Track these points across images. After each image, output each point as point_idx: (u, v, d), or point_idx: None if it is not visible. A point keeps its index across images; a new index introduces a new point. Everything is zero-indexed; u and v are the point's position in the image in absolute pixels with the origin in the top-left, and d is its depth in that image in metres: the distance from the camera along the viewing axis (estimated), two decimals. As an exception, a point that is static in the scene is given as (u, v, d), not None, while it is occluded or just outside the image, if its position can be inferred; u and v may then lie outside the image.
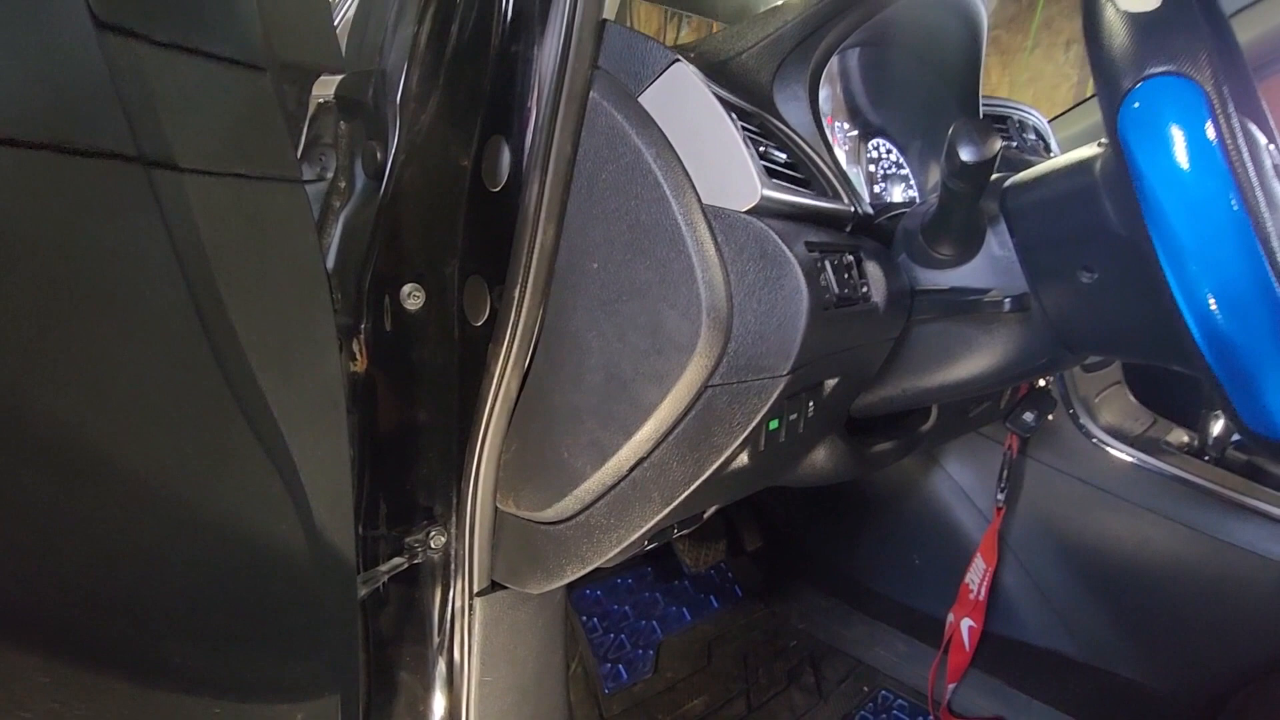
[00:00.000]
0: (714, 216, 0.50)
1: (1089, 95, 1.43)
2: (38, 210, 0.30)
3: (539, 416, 0.60)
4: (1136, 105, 0.45)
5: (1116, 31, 0.46)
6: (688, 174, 0.50)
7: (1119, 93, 0.46)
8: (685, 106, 0.50)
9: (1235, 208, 0.43)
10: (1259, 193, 0.42)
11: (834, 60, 0.72)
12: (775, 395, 0.50)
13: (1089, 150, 0.57)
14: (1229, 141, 0.43)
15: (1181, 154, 0.44)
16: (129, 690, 0.35)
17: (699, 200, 0.50)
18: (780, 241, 0.48)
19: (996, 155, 0.51)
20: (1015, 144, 0.94)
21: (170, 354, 0.36)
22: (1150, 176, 0.46)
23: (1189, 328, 0.48)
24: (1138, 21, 0.45)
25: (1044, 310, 0.62)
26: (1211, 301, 0.46)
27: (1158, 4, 0.44)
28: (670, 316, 0.50)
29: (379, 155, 0.62)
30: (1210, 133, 0.43)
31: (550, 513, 0.61)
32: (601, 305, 0.54)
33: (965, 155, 0.50)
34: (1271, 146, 0.58)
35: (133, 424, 0.34)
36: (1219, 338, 0.47)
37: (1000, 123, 0.96)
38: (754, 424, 0.52)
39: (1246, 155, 0.42)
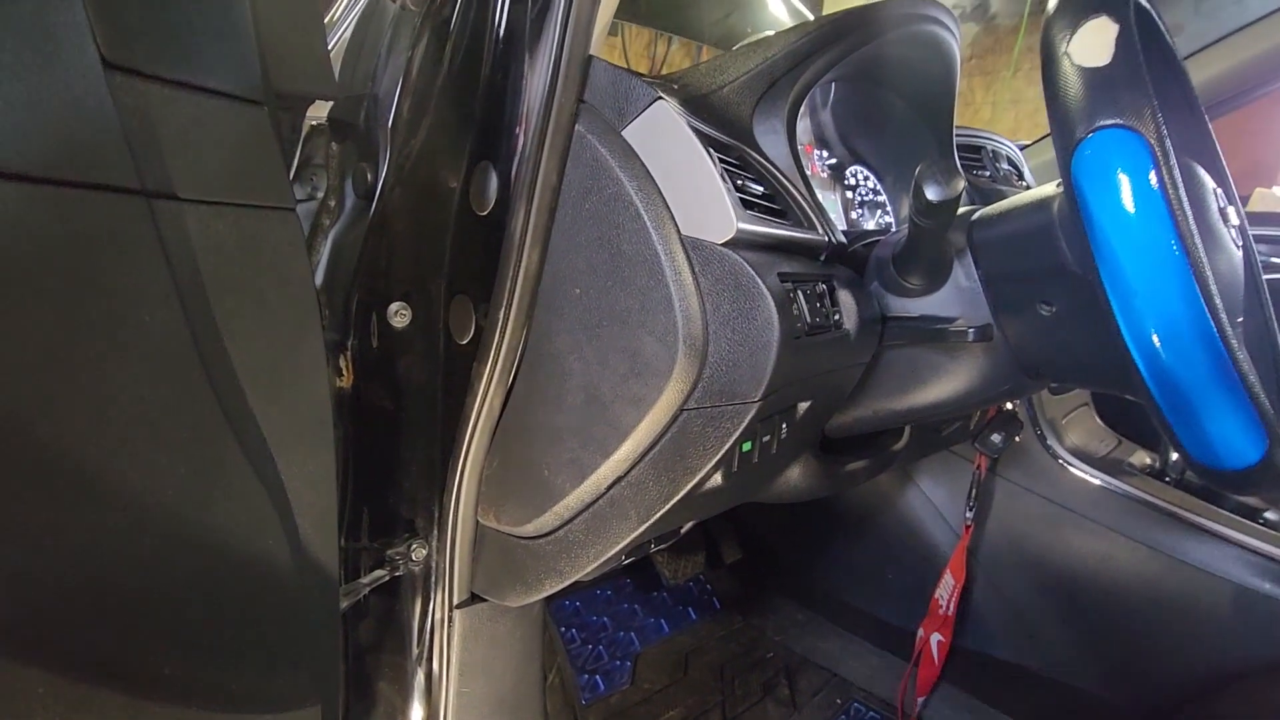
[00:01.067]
0: (692, 248, 0.52)
1: None
2: (43, 241, 0.31)
3: (521, 434, 0.62)
4: (1088, 153, 0.48)
5: (1071, 83, 0.49)
6: (668, 206, 0.52)
7: (1072, 140, 0.49)
8: (666, 142, 0.53)
9: (1175, 250, 0.46)
10: (1197, 239, 0.45)
11: (814, 91, 0.74)
12: (748, 419, 0.53)
13: (1048, 190, 0.60)
14: (1170, 190, 0.46)
15: (1127, 199, 0.47)
16: (122, 701, 0.37)
17: (678, 231, 0.52)
18: (754, 274, 0.51)
19: (959, 195, 0.54)
20: (988, 173, 0.98)
21: (165, 377, 0.37)
22: (1099, 218, 0.49)
23: (1135, 361, 0.51)
24: (1090, 76, 0.48)
25: (1006, 339, 0.65)
26: (1154, 337, 0.49)
27: (1108, 60, 0.47)
28: (649, 342, 0.52)
29: (369, 176, 0.64)
30: (1153, 180, 0.46)
31: (530, 528, 0.63)
32: (583, 329, 0.56)
33: (931, 195, 0.53)
34: (1219, 190, 0.61)
35: (127, 444, 0.36)
36: (1162, 372, 0.49)
37: (974, 153, 0.99)
38: (727, 446, 0.54)
39: (1186, 204, 0.45)
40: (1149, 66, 0.47)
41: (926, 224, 0.57)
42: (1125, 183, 0.47)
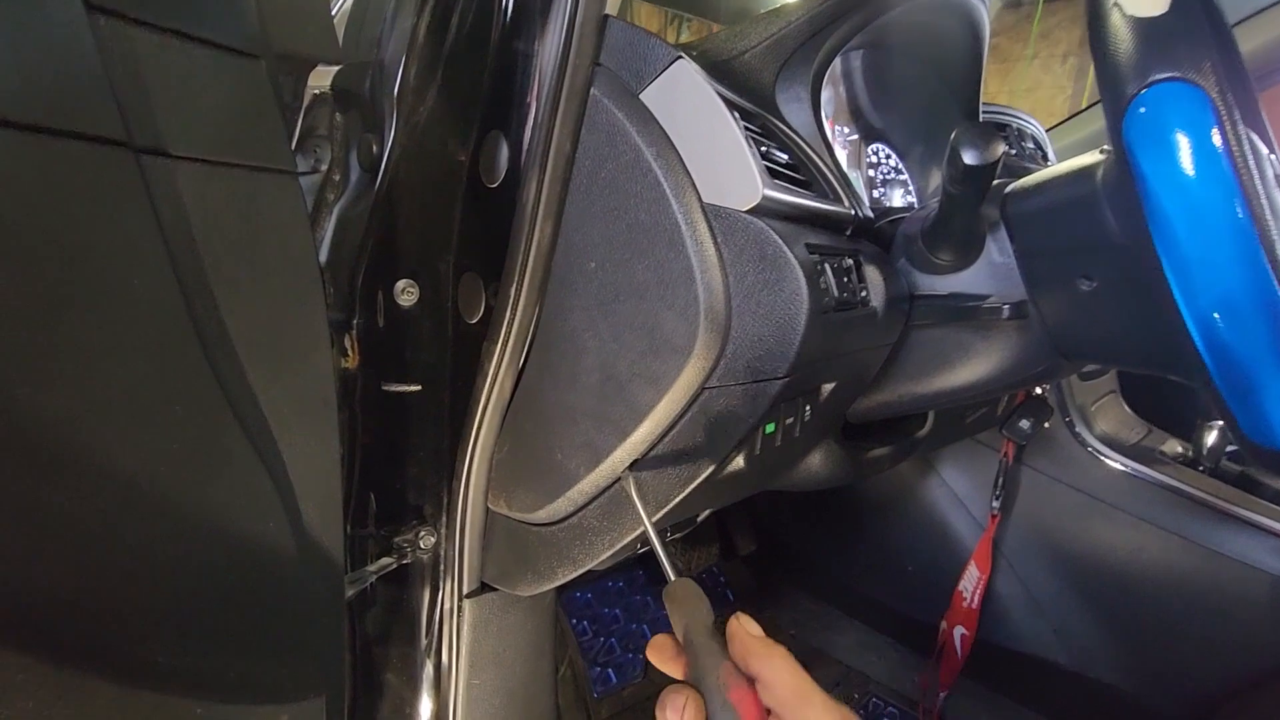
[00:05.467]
0: (714, 216, 0.49)
1: (1084, 106, 1.44)
2: (20, 193, 0.29)
3: (533, 416, 0.59)
4: (1142, 110, 0.45)
5: (1122, 37, 0.45)
6: (688, 173, 0.49)
7: (1124, 98, 0.45)
8: (687, 104, 0.50)
9: (1240, 215, 0.43)
10: (1264, 200, 0.42)
11: (836, 62, 0.71)
12: (772, 399, 0.50)
13: (1091, 157, 0.57)
14: (1235, 148, 0.42)
15: (1187, 160, 0.44)
16: (112, 690, 0.34)
17: (699, 199, 0.49)
18: (781, 243, 0.48)
19: (999, 160, 0.50)
20: (1014, 151, 0.94)
21: (158, 348, 0.35)
22: (1155, 183, 0.46)
23: (1190, 337, 0.47)
24: (1144, 27, 0.45)
25: (1042, 318, 0.62)
26: (1214, 309, 0.45)
27: (1165, 9, 0.44)
28: (668, 318, 0.50)
29: (375, 148, 0.62)
30: (1216, 139, 0.43)
31: (542, 514, 0.60)
32: (598, 305, 0.53)
33: (969, 159, 0.50)
34: (1273, 157, 0.58)
35: (118, 420, 0.33)
36: (1220, 347, 0.46)
37: (1000, 130, 0.96)
38: (750, 427, 0.51)
39: (1252, 162, 0.42)
40: (1206, 18, 0.44)
41: (961, 192, 0.54)
42: (1184, 142, 0.43)
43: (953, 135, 0.51)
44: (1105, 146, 0.56)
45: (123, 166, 0.33)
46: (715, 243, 0.49)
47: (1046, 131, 1.10)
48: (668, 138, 0.50)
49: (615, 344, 0.53)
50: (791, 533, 1.36)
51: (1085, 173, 0.55)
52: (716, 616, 0.40)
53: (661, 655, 0.39)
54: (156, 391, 0.35)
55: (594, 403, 0.54)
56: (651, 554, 0.48)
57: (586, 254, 0.53)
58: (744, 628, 0.37)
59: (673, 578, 0.41)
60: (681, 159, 0.49)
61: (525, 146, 0.55)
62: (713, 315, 0.48)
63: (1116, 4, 0.46)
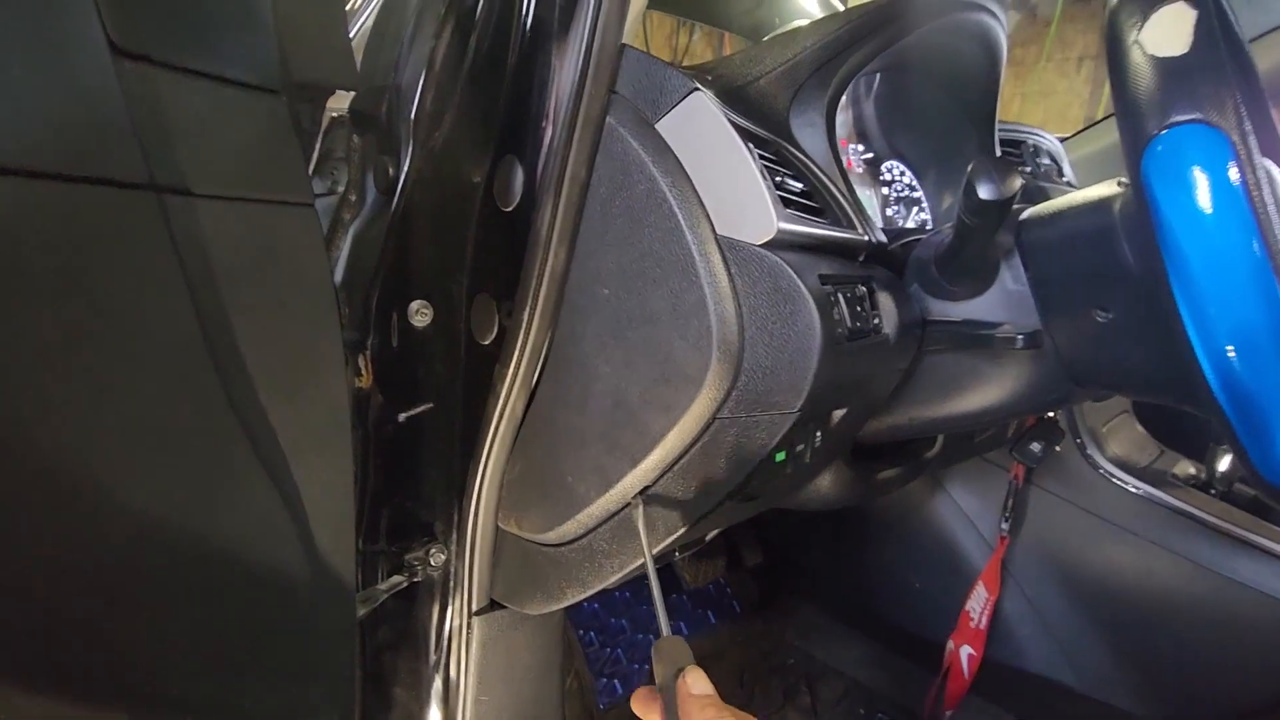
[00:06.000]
0: (728, 249, 0.49)
1: (1101, 117, 1.43)
2: (46, 240, 0.30)
3: (544, 439, 0.60)
4: (1160, 150, 0.45)
5: (1143, 75, 0.45)
6: (703, 205, 0.50)
7: (1144, 136, 0.45)
8: (703, 136, 0.50)
9: (1257, 252, 0.43)
10: None
11: (851, 83, 0.71)
12: (785, 431, 0.50)
13: (1108, 189, 0.56)
14: (1253, 186, 0.42)
15: (1204, 197, 0.44)
16: (117, 713, 0.35)
17: (714, 231, 0.49)
18: (795, 277, 0.48)
19: (1015, 195, 0.50)
20: (1030, 170, 0.93)
21: (175, 380, 0.35)
22: (1171, 219, 0.45)
23: (1204, 372, 0.47)
24: (1164, 66, 0.44)
25: (1056, 346, 0.61)
26: (1228, 346, 0.45)
27: (1186, 49, 0.44)
28: (680, 347, 0.50)
29: (391, 170, 0.62)
30: (1234, 175, 0.42)
31: (552, 535, 0.61)
32: (611, 332, 0.53)
33: (984, 193, 0.50)
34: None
35: (133, 451, 0.34)
36: (1234, 383, 0.46)
37: (1014, 147, 0.95)
38: (762, 457, 0.51)
39: (1270, 199, 0.42)
40: (1228, 56, 0.44)
41: (976, 224, 0.54)
42: (1202, 180, 0.43)
43: (969, 168, 0.51)
44: (1123, 179, 0.55)
45: (144, 206, 0.33)
46: (729, 275, 0.49)
47: (1062, 142, 1.09)
48: (683, 169, 0.50)
49: (627, 371, 0.53)
50: (798, 546, 1.36)
51: (1103, 204, 0.55)
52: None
53: (641, 706, 0.41)
54: (173, 423, 0.36)
55: (605, 428, 0.55)
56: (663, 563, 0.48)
57: (600, 280, 0.54)
58: (688, 687, 0.38)
59: (666, 634, 0.42)
60: (696, 190, 0.50)
61: (540, 171, 0.55)
62: (725, 346, 0.49)
63: (1137, 41, 0.45)
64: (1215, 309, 0.45)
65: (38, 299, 0.30)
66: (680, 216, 0.49)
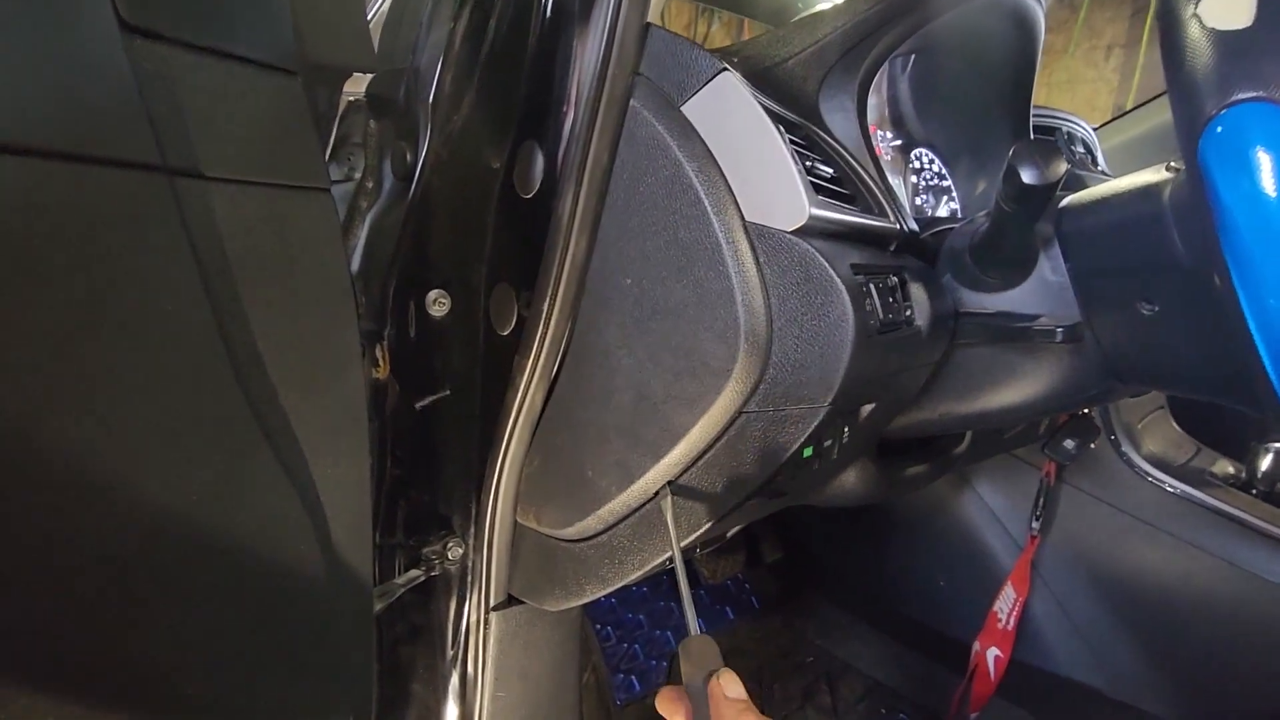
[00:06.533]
0: (757, 236, 0.47)
1: (1130, 106, 1.38)
2: (52, 224, 0.28)
3: (564, 432, 0.58)
4: (1220, 130, 0.42)
5: (1201, 50, 0.42)
6: (730, 190, 0.48)
7: (1201, 116, 0.42)
8: (731, 118, 0.48)
9: None
10: None
11: (882, 66, 0.68)
12: (814, 425, 0.48)
13: (1156, 174, 0.53)
14: None
15: (1269, 180, 0.41)
16: (132, 715, 0.34)
17: (742, 218, 0.47)
18: (827, 266, 0.46)
19: (1060, 180, 0.48)
20: (1063, 157, 0.90)
21: (189, 371, 0.34)
22: (1231, 204, 0.43)
23: (1263, 366, 0.44)
24: (1225, 40, 0.41)
25: (1097, 340, 0.59)
26: None
27: (1250, 21, 0.41)
28: (706, 339, 0.48)
29: (408, 156, 0.61)
30: None
31: (572, 530, 0.59)
32: (634, 322, 0.52)
33: (1027, 177, 0.47)
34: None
35: (147, 447, 0.33)
36: None
37: (1048, 135, 0.92)
38: (790, 453, 0.50)
39: None
40: None
41: (1016, 210, 0.51)
42: (1266, 162, 0.40)
43: (1011, 151, 0.48)
44: (1173, 163, 0.52)
45: (156, 190, 0.32)
46: (758, 264, 0.47)
47: (1094, 130, 1.05)
48: (710, 153, 0.48)
49: (650, 363, 0.51)
50: (819, 542, 1.34)
51: (1150, 191, 0.52)
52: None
53: (667, 707, 0.41)
54: (186, 416, 0.35)
55: (627, 421, 0.53)
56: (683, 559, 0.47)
57: (623, 270, 0.52)
58: (721, 689, 0.38)
59: (694, 632, 0.42)
60: (724, 175, 0.48)
61: (561, 157, 0.53)
62: (753, 338, 0.47)
63: (1196, 14, 0.43)
64: (1278, 299, 0.42)
65: (46, 284, 0.29)
66: (706, 202, 0.47)
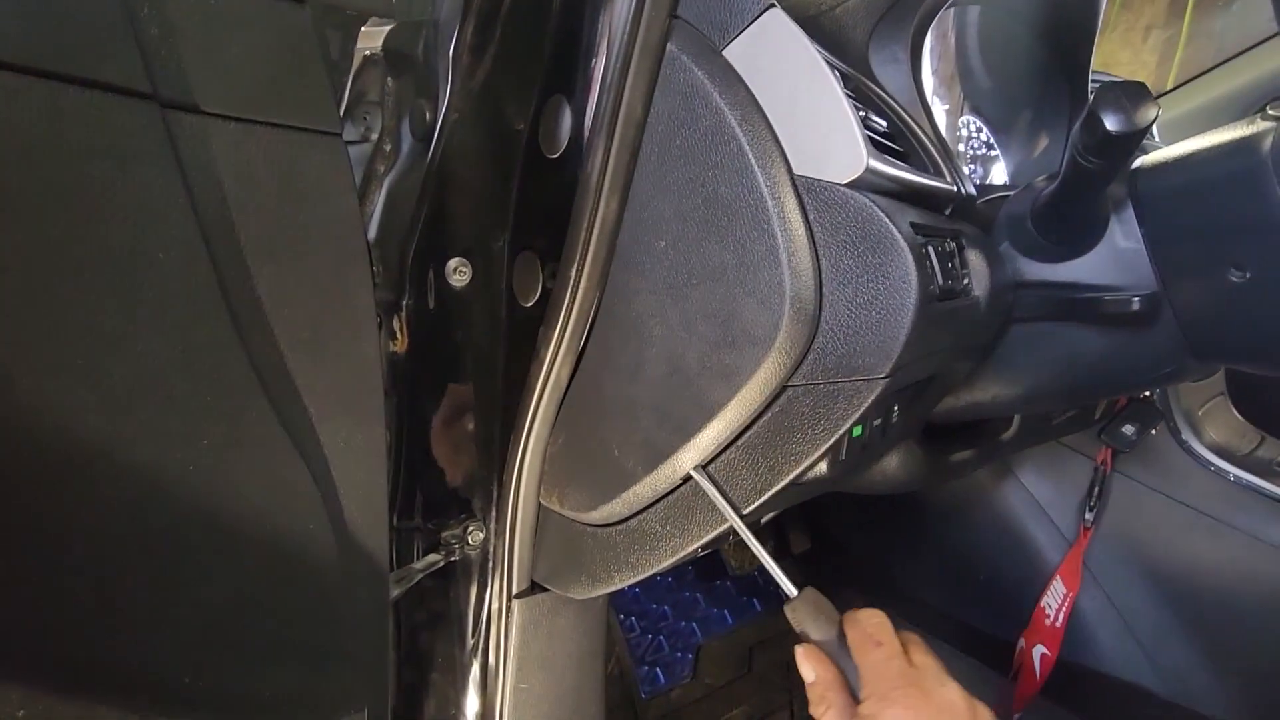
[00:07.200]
0: (806, 190, 0.43)
1: (1171, 86, 1.31)
2: (33, 150, 0.25)
3: (590, 408, 0.54)
4: None
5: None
6: (777, 140, 0.43)
7: None
8: (779, 61, 0.43)
9: None
10: None
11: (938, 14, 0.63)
12: (870, 400, 0.44)
13: (1250, 127, 0.48)
14: None
15: None
16: (132, 706, 0.31)
17: (789, 171, 0.43)
18: (888, 221, 0.41)
19: (1149, 126, 0.43)
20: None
21: (185, 327, 0.31)
22: None
23: None
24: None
25: (1175, 313, 0.54)
26: None
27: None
28: (747, 305, 0.44)
29: (428, 115, 0.57)
30: None
31: (597, 514, 0.56)
32: (668, 289, 0.48)
33: (1112, 124, 0.42)
34: None
35: (138, 410, 0.30)
36: None
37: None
38: (840, 432, 0.45)
39: None
40: None
41: (1095, 165, 0.46)
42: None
43: (1093, 97, 0.43)
44: (1271, 110, 0.47)
45: (145, 120, 0.28)
46: (806, 220, 0.43)
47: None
48: (755, 100, 0.44)
49: (685, 333, 0.47)
50: (849, 532, 1.29)
51: (1247, 144, 0.47)
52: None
53: (813, 665, 0.42)
54: (183, 377, 0.31)
55: (657, 397, 0.49)
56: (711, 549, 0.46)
57: (657, 232, 0.48)
58: (864, 629, 0.42)
59: (794, 592, 0.45)
60: (770, 124, 0.43)
61: (590, 112, 0.49)
62: (799, 303, 0.42)
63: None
64: None
65: (20, 220, 0.25)
66: (750, 154, 0.43)
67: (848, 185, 0.42)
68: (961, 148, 0.81)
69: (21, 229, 0.25)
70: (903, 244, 0.41)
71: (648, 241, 0.48)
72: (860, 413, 0.44)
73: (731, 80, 0.44)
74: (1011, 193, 0.62)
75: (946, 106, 0.79)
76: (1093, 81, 0.81)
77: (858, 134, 0.41)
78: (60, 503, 0.27)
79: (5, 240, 0.25)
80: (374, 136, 0.59)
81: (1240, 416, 0.97)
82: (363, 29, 0.55)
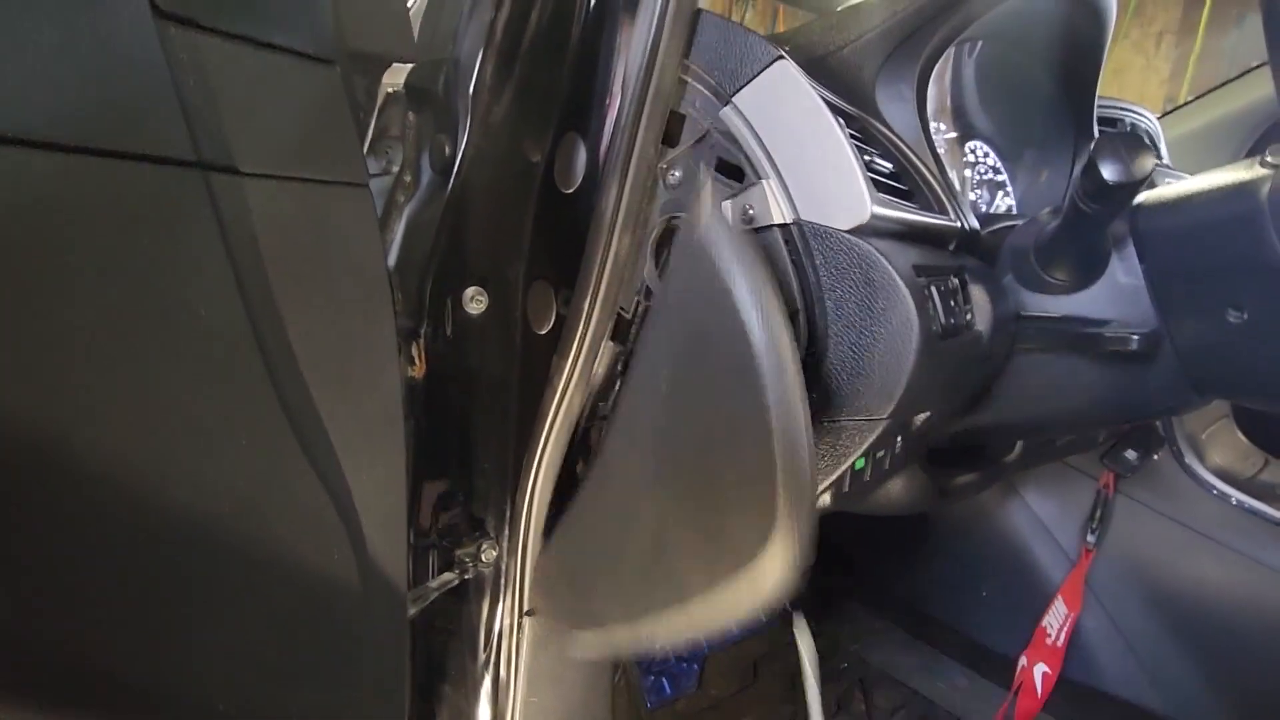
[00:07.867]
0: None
1: (1183, 100, 1.31)
2: (82, 220, 0.27)
3: (590, 521, 0.56)
4: None
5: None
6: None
7: None
8: (787, 109, 0.45)
9: None
10: None
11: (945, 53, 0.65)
12: (872, 439, 0.45)
13: (1250, 171, 0.49)
14: None
15: None
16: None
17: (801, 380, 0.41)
18: (890, 267, 0.43)
19: (1146, 178, 0.44)
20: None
21: (222, 375, 0.33)
22: None
23: None
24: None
25: (1175, 349, 0.55)
26: None
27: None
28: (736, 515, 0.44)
29: (447, 149, 0.59)
30: None
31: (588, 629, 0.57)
32: (668, 465, 0.47)
33: (1110, 174, 0.44)
34: None
35: (176, 449, 0.31)
36: None
37: (1110, 127, 0.87)
38: (843, 468, 0.47)
39: None
40: None
41: (1094, 209, 0.48)
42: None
43: (1094, 144, 0.45)
44: (1269, 158, 0.48)
45: (189, 185, 0.30)
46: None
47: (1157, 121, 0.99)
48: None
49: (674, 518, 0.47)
50: (855, 546, 1.30)
51: (1245, 188, 0.48)
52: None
53: None
54: (220, 420, 0.33)
55: (644, 566, 0.49)
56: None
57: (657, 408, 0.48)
58: None
59: None
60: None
61: (604, 151, 0.51)
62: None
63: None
64: None
65: (77, 283, 0.27)
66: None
67: (852, 231, 0.44)
68: (969, 173, 0.82)
69: (74, 293, 0.27)
70: (904, 290, 0.42)
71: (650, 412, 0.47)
72: (863, 449, 0.46)
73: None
74: (1016, 223, 0.63)
75: (954, 134, 0.80)
76: (1100, 107, 0.82)
77: (862, 183, 0.43)
78: (109, 535, 0.29)
79: (67, 304, 0.27)
80: (395, 169, 0.61)
81: (1245, 439, 0.98)
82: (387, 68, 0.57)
